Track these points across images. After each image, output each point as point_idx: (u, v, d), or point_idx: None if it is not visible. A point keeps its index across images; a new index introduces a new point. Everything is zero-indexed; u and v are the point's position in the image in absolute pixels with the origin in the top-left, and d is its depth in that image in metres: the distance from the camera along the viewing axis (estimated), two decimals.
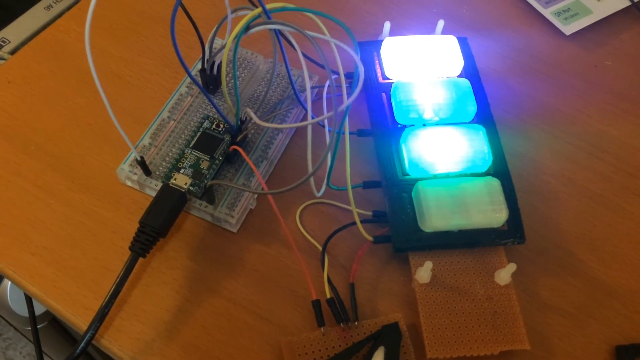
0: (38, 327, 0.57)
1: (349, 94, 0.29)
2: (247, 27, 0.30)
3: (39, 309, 0.54)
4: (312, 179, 0.32)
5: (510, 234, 0.33)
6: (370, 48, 0.40)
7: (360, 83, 0.28)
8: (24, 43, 0.47)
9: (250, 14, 0.30)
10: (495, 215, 0.33)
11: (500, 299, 0.32)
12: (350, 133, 0.35)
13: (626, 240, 0.36)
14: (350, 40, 0.31)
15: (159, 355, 0.31)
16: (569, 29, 0.44)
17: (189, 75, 0.31)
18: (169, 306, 0.32)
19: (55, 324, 0.59)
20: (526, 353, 0.32)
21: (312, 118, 0.29)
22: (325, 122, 0.34)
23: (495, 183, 0.33)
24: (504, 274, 0.32)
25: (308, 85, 0.29)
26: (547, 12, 0.45)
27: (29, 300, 0.48)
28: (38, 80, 0.40)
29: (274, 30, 0.31)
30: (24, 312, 0.57)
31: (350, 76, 0.37)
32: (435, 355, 0.30)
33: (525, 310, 0.33)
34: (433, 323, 0.31)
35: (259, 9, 0.30)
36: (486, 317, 0.32)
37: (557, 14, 0.44)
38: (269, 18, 0.30)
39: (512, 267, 0.31)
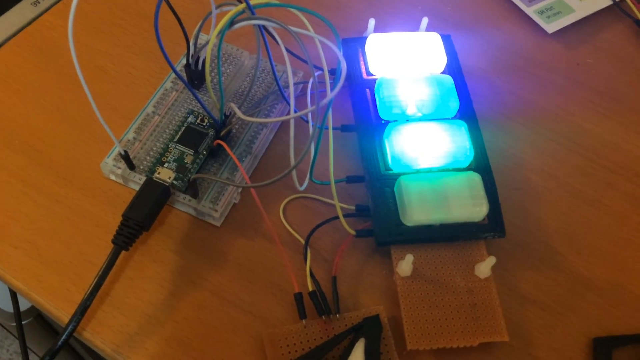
0: (23, 323, 0.57)
1: (332, 90, 0.29)
2: (231, 23, 0.31)
3: (24, 305, 0.54)
4: (294, 173, 0.32)
5: (490, 228, 0.34)
6: (354, 44, 0.40)
7: (343, 78, 0.28)
8: (10, 38, 0.47)
9: (234, 10, 0.30)
10: (476, 209, 0.33)
11: (480, 291, 0.33)
12: (334, 128, 0.35)
13: (605, 234, 0.36)
14: (334, 36, 0.32)
15: (141, 348, 0.31)
16: (551, 27, 0.44)
17: (173, 70, 0.31)
18: (152, 299, 0.32)
19: (41, 319, 0.59)
20: (505, 345, 0.32)
21: (295, 112, 0.30)
22: (310, 117, 0.34)
23: (476, 178, 0.34)
24: (484, 267, 0.32)
25: (291, 80, 0.30)
26: (530, 11, 0.45)
27: (13, 296, 0.48)
28: (23, 75, 0.40)
29: (258, 25, 0.31)
30: (9, 308, 0.57)
31: (335, 72, 0.38)
32: (416, 347, 0.31)
33: (504, 303, 0.33)
34: (414, 315, 0.32)
35: (243, 5, 0.30)
36: (466, 310, 0.32)
37: (540, 12, 0.45)
38: (252, 14, 0.31)
39: (491, 260, 0.32)
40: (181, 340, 0.31)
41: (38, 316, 0.59)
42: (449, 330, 0.31)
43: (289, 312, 0.32)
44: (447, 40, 0.40)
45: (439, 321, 0.32)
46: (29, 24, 0.43)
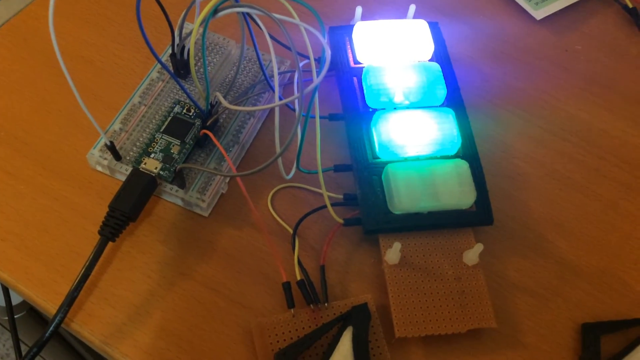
0: (16, 317, 0.57)
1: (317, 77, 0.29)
2: (215, 11, 0.30)
3: (16, 299, 0.53)
4: (280, 162, 0.32)
5: (478, 215, 0.34)
6: (342, 33, 0.40)
7: (327, 64, 0.28)
8: None
9: None
10: (464, 196, 0.33)
11: (468, 279, 0.33)
12: (322, 117, 0.35)
13: (593, 221, 0.36)
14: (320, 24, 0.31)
15: (130, 339, 0.31)
16: (539, 13, 0.44)
17: (158, 60, 0.31)
18: (140, 290, 0.32)
19: (34, 313, 0.59)
20: (493, 331, 0.32)
21: (280, 99, 0.30)
22: (296, 105, 0.34)
23: (463, 165, 0.34)
24: (472, 255, 0.32)
25: (275, 67, 0.30)
26: None
27: (5, 289, 0.48)
28: (8, 66, 0.39)
29: (242, 13, 0.31)
30: (1, 302, 0.57)
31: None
32: (404, 334, 0.31)
33: (493, 290, 0.33)
34: (402, 303, 0.32)
35: None
36: (454, 297, 0.32)
37: None
38: (236, 1, 0.30)
39: (479, 247, 0.32)
40: (169, 331, 0.31)
41: (31, 309, 0.58)
42: (437, 317, 0.31)
43: (278, 302, 0.32)
44: (434, 27, 0.40)
45: (427, 309, 0.32)
46: (14, 16, 0.43)
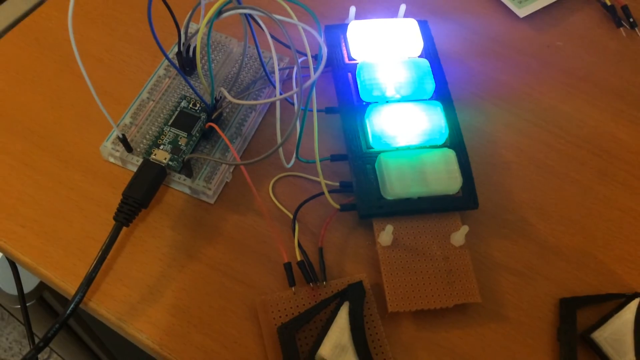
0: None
1: (315, 73, 0.31)
2: (219, 12, 0.33)
3: (26, 288, 0.56)
4: (281, 152, 0.35)
5: (464, 200, 0.36)
6: (337, 31, 0.42)
7: (324, 61, 0.31)
8: (5, 31, 0.49)
9: (221, 0, 0.33)
10: (451, 182, 0.36)
11: (455, 259, 0.35)
12: (319, 111, 0.38)
13: (572, 204, 0.39)
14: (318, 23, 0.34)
15: (144, 316, 0.34)
16: (522, 11, 0.47)
17: (166, 57, 0.33)
18: (152, 271, 0.35)
19: (43, 302, 0.61)
20: (478, 306, 0.35)
21: (280, 94, 0.32)
22: (295, 99, 0.37)
23: (450, 154, 0.36)
24: (459, 236, 0.35)
25: (276, 64, 0.32)
26: None
27: (17, 277, 0.51)
28: (22, 65, 0.42)
29: (244, 14, 0.34)
30: (12, 290, 0.59)
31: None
32: (396, 309, 0.33)
33: (478, 269, 0.36)
34: (394, 281, 0.34)
35: None
36: (442, 275, 0.35)
37: None
38: (239, 3, 0.33)
39: (465, 229, 0.35)
40: (180, 308, 0.34)
41: (40, 298, 0.61)
42: (427, 293, 0.34)
43: (279, 281, 0.35)
44: (424, 25, 0.43)
45: (417, 286, 0.34)
46: (24, 16, 0.45)
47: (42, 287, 0.57)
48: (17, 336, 0.98)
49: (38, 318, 0.63)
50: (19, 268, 0.49)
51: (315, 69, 0.31)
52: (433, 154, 0.36)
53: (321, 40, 0.32)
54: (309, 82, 0.31)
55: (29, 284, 0.56)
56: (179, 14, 0.37)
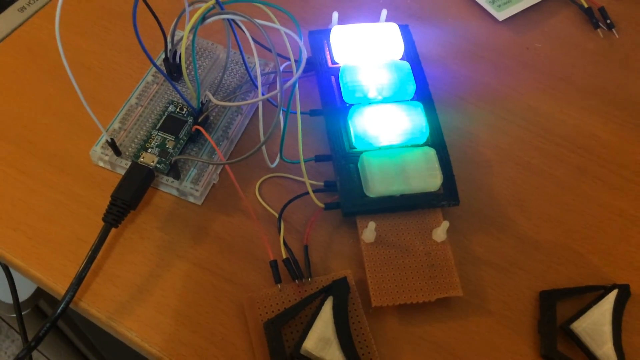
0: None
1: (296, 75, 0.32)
2: (203, 18, 0.34)
3: (22, 296, 0.56)
4: (265, 151, 0.36)
5: (445, 197, 0.37)
6: (320, 36, 0.44)
7: (303, 63, 0.32)
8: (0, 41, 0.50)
9: (204, 6, 0.34)
10: (431, 180, 0.37)
11: (437, 254, 0.36)
12: (303, 113, 0.39)
13: (551, 200, 0.40)
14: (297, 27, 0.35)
15: (133, 315, 0.34)
16: (502, 15, 0.48)
17: (153, 64, 0.34)
18: (141, 271, 0.36)
19: (38, 310, 0.62)
20: (461, 300, 0.36)
21: (262, 95, 0.33)
22: (279, 99, 0.38)
23: (431, 152, 0.37)
24: (440, 232, 0.36)
25: (258, 67, 0.33)
26: (482, 0, 0.49)
27: (12, 286, 0.51)
28: (14, 74, 0.43)
29: (227, 20, 0.35)
30: (8, 299, 0.59)
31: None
32: (380, 303, 0.34)
33: (460, 264, 0.37)
34: (377, 276, 0.35)
35: (212, 1, 0.34)
36: (424, 270, 0.36)
37: (491, 1, 0.49)
38: (222, 9, 0.34)
39: (445, 225, 0.35)
40: (169, 307, 0.35)
41: (35, 307, 0.61)
42: (410, 288, 0.35)
43: (266, 278, 0.36)
44: (405, 29, 0.44)
45: (400, 281, 0.35)
46: (17, 28, 0.46)
47: (38, 295, 0.58)
48: (15, 350, 0.98)
49: (34, 326, 0.64)
50: (14, 277, 0.50)
51: (297, 70, 0.32)
52: (414, 152, 0.37)
53: (300, 42, 0.33)
54: (289, 82, 0.32)
55: (24, 293, 0.57)
56: (165, 22, 0.38)
